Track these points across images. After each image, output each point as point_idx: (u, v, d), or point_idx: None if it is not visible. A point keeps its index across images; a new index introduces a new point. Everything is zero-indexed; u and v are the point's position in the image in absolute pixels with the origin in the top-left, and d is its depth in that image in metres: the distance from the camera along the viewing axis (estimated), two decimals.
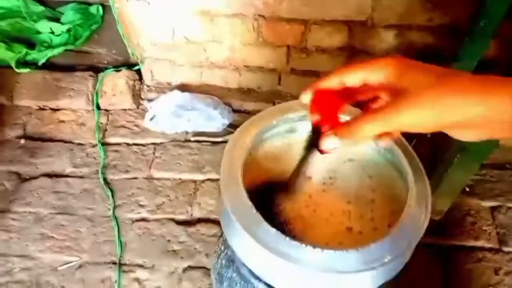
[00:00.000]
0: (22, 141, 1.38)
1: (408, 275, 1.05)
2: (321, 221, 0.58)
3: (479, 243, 1.13)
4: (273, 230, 0.48)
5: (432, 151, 1.25)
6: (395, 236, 0.49)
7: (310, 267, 0.46)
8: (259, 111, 0.62)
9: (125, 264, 1.11)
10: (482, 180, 1.25)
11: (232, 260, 0.75)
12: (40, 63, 1.50)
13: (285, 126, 0.63)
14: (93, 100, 1.44)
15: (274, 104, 1.39)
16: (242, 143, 0.57)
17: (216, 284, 0.80)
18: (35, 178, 1.29)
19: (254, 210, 0.50)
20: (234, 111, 1.42)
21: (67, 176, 1.30)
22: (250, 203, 0.50)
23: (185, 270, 1.09)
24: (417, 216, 0.52)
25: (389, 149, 0.60)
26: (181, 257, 1.11)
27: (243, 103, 1.43)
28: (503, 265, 1.09)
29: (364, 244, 0.49)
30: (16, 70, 1.46)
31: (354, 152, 0.64)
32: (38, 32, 1.50)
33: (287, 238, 0.48)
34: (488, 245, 1.13)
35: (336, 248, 0.47)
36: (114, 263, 1.11)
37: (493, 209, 1.19)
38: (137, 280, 1.08)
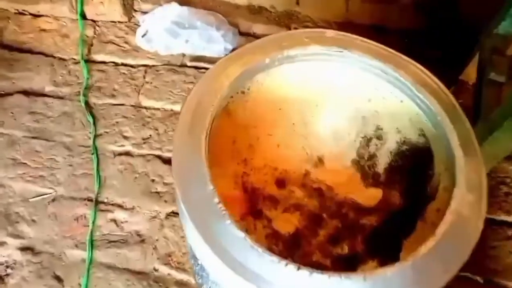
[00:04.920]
0: None
1: None
2: None
3: (511, 218, 0.96)
4: (241, 234, 0.32)
5: (475, 102, 1.03)
6: (428, 255, 0.32)
7: None
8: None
9: (102, 202, 0.99)
10: None
11: None
12: None
13: (283, 68, 0.43)
14: (77, 8, 1.22)
15: (289, 29, 1.15)
16: (216, 89, 0.39)
17: (190, 250, 0.67)
18: (10, 94, 1.15)
19: (216, 199, 0.33)
20: (241, 33, 1.20)
21: (45, 95, 1.15)
22: (211, 187, 0.33)
23: (168, 215, 0.97)
24: (466, 220, 0.34)
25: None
26: (165, 201, 0.99)
27: (252, 25, 1.20)
28: None
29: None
30: None
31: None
32: None
33: (260, 250, 0.31)
34: None
35: (332, 273, 0.31)
36: (91, 200, 0.99)
37: None
38: (114, 221, 0.97)
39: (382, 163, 0.40)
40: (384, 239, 0.36)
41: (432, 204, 0.38)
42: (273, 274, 0.31)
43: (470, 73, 1.07)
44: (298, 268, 0.31)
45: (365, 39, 0.45)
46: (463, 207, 0.35)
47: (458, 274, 0.85)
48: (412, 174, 0.39)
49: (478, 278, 0.90)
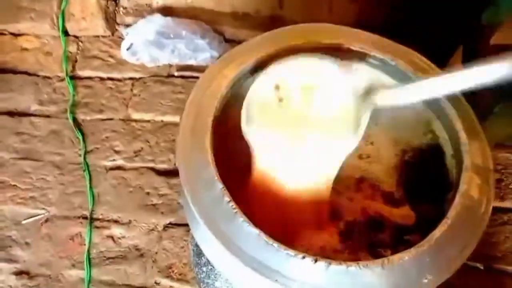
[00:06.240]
0: None
1: None
2: None
3: (505, 204, 0.98)
4: (254, 231, 0.31)
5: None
6: (442, 241, 0.32)
7: None
8: None
9: (97, 219, 0.97)
10: None
11: None
12: None
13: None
14: (58, 24, 1.21)
15: None
16: (215, 89, 0.39)
17: (194, 257, 0.66)
18: None
19: (227, 198, 0.32)
20: (226, 40, 1.20)
21: (31, 115, 1.13)
22: (221, 185, 0.33)
23: (165, 227, 0.96)
24: (475, 206, 0.35)
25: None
26: (162, 213, 0.97)
27: (237, 31, 1.20)
28: None
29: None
30: None
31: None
32: None
33: (275, 245, 0.31)
34: None
35: (349, 263, 0.31)
36: (85, 217, 0.97)
37: None
38: (111, 237, 0.95)
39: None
40: None
41: (447, 196, 0.39)
42: (291, 268, 0.31)
43: (456, 63, 1.09)
44: (316, 261, 0.30)
45: (360, 31, 0.46)
46: (472, 189, 0.35)
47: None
48: (428, 176, 0.40)
49: (478, 265, 0.90)
